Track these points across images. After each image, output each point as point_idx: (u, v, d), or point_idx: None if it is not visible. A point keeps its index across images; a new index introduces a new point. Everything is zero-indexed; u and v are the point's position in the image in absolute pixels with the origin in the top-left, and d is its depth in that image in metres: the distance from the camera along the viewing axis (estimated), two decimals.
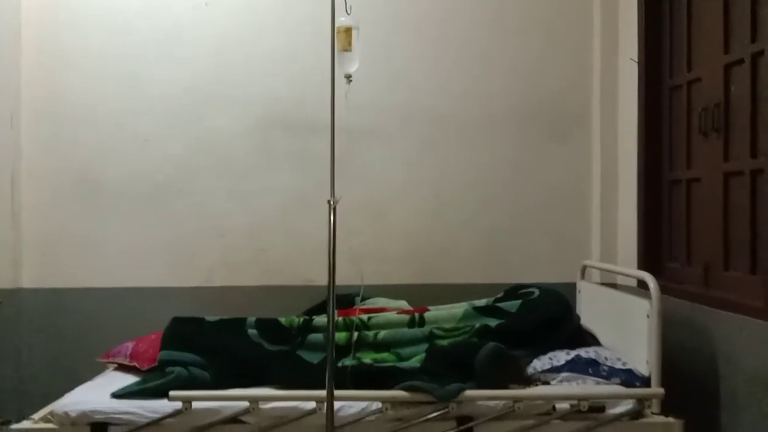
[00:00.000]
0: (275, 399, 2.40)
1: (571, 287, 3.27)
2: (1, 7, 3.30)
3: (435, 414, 2.37)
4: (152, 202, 3.45)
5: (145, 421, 2.35)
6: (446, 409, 2.37)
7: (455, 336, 2.76)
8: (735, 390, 2.40)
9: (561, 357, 2.63)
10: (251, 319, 2.81)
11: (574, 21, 3.53)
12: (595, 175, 3.51)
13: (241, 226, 3.48)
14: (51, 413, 2.41)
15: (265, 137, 3.48)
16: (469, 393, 2.39)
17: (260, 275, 3.47)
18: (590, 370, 2.56)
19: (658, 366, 2.45)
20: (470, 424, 2.39)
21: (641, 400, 2.43)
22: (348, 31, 2.44)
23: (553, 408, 2.41)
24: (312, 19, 3.18)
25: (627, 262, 3.30)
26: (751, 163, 2.45)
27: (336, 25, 2.35)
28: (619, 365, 2.57)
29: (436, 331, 2.78)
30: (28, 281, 3.40)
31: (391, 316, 2.92)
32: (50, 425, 2.38)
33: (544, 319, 2.79)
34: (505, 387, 2.50)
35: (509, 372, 2.58)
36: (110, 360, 2.84)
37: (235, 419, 2.37)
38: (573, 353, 2.63)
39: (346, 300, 3.06)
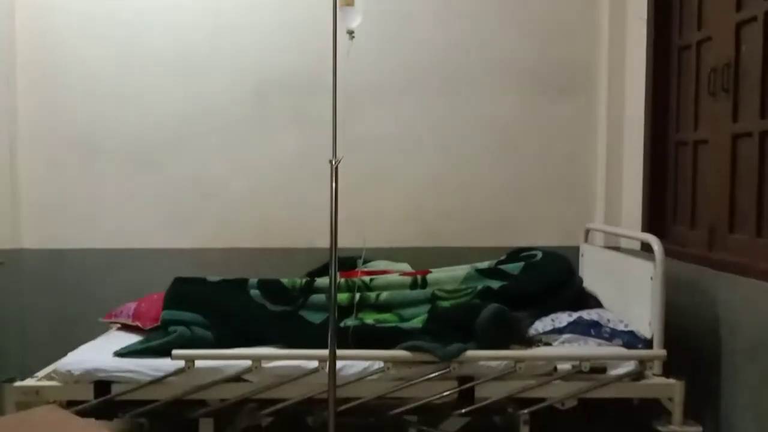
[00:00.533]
0: (278, 358, 2.41)
1: (575, 251, 3.25)
2: None
3: (436, 374, 2.38)
4: (150, 164, 3.43)
5: (147, 379, 2.36)
6: (447, 369, 2.38)
7: (457, 298, 2.76)
8: (736, 352, 2.40)
9: (563, 319, 2.62)
10: (253, 280, 2.81)
11: None
12: (600, 137, 3.46)
13: (241, 188, 3.45)
14: (54, 371, 2.42)
15: (264, 98, 3.43)
16: (471, 353, 2.40)
17: (261, 238, 3.46)
18: (592, 331, 2.56)
19: (661, 328, 2.44)
20: (471, 384, 2.40)
21: (643, 362, 2.44)
22: None
23: (555, 369, 2.42)
24: None
25: (631, 226, 3.28)
26: (761, 124, 2.41)
27: None
28: (621, 327, 2.57)
29: (438, 293, 2.78)
30: (28, 242, 3.40)
31: (393, 277, 2.92)
32: (54, 383, 2.39)
33: (547, 281, 2.79)
34: (507, 348, 2.51)
35: (511, 333, 2.58)
36: (113, 320, 2.86)
37: (237, 378, 2.39)
38: (575, 315, 2.63)
39: (348, 263, 3.05)
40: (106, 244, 3.42)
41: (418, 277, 2.88)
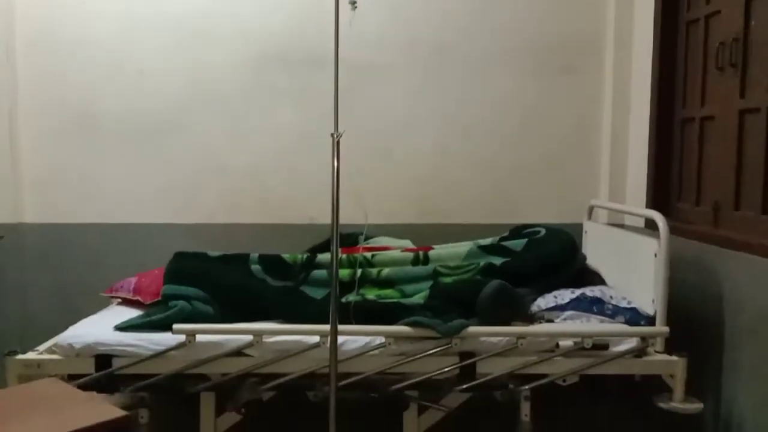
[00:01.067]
0: (279, 333, 2.41)
1: (578, 228, 3.23)
2: None
3: (437, 349, 2.38)
4: (150, 138, 3.40)
5: (148, 353, 2.36)
6: (449, 345, 2.38)
7: (459, 274, 2.74)
8: (739, 329, 2.39)
9: (566, 295, 2.61)
10: (254, 255, 2.80)
11: None
12: (605, 113, 3.42)
13: (241, 163, 3.43)
14: (56, 345, 2.42)
15: (264, 71, 3.39)
16: (472, 329, 2.39)
17: (262, 213, 3.45)
18: (595, 308, 2.55)
19: (664, 305, 2.43)
20: (473, 360, 2.39)
21: (645, 339, 2.43)
22: None
23: (557, 345, 2.41)
24: None
25: (635, 203, 3.25)
26: None
27: None
28: (624, 304, 2.55)
29: (440, 269, 2.76)
30: (29, 216, 3.39)
31: (395, 254, 2.90)
32: (55, 356, 2.39)
33: (550, 257, 2.77)
34: (509, 325, 2.50)
35: (513, 310, 2.57)
36: (114, 294, 2.85)
37: (238, 352, 2.38)
38: (578, 292, 2.62)
39: (349, 239, 3.03)
40: (107, 219, 3.41)
41: (420, 253, 2.87)
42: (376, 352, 2.38)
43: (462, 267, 2.77)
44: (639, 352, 2.43)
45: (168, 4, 3.34)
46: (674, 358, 2.41)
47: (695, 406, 2.38)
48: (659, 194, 3.10)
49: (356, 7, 2.16)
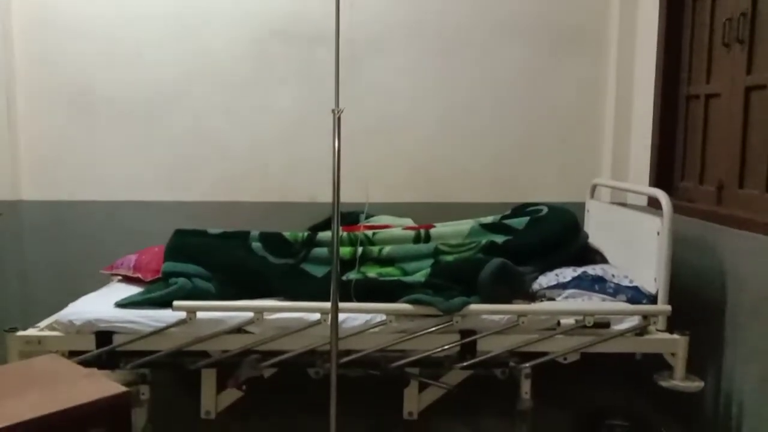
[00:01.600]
0: (280, 310, 2.40)
1: (581, 206, 3.22)
2: None
3: (438, 327, 2.37)
4: (150, 115, 3.37)
5: (149, 330, 2.35)
6: (450, 323, 2.37)
7: (461, 252, 2.73)
8: (741, 307, 2.38)
9: (567, 274, 2.60)
10: (255, 233, 2.79)
11: None
12: (609, 91, 3.38)
13: (242, 141, 3.40)
14: (56, 322, 2.41)
15: (265, 48, 3.35)
16: (473, 307, 2.38)
17: (263, 192, 3.43)
18: (596, 286, 2.54)
19: (666, 283, 2.42)
20: (473, 338, 2.39)
21: (647, 317, 2.42)
22: None
23: (558, 323, 2.41)
24: None
25: (638, 182, 3.23)
26: None
27: None
28: (626, 282, 2.54)
29: (442, 247, 2.75)
30: (27, 194, 3.37)
31: (397, 232, 2.89)
32: (56, 333, 2.39)
33: (552, 236, 2.75)
34: (510, 303, 2.49)
35: (514, 288, 2.56)
36: (113, 272, 2.84)
37: (239, 329, 2.38)
38: (579, 270, 2.61)
39: (350, 217, 3.02)
40: (106, 197, 3.39)
41: (422, 231, 2.85)
42: (377, 329, 2.38)
43: (463, 245, 2.76)
44: (640, 331, 2.42)
45: None
46: (676, 336, 2.41)
47: (696, 384, 2.38)
48: (662, 173, 3.07)
49: None
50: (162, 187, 3.40)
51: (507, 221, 2.87)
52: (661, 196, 2.45)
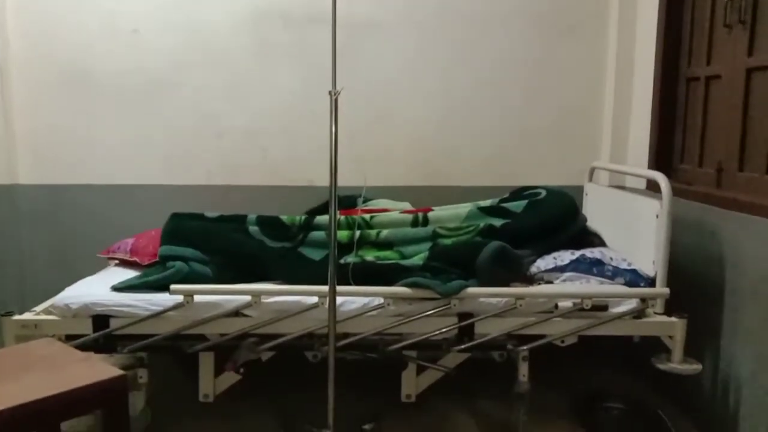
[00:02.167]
0: (278, 293, 2.39)
1: (579, 190, 3.20)
2: None
3: (436, 310, 2.37)
4: (146, 97, 3.35)
5: (146, 313, 2.35)
6: (447, 306, 2.36)
7: (459, 235, 2.72)
8: (740, 290, 2.38)
9: (565, 257, 2.59)
10: (252, 216, 2.78)
11: None
12: (609, 73, 3.36)
13: (239, 124, 3.38)
14: (53, 306, 2.41)
15: (263, 29, 3.32)
16: (471, 290, 2.37)
17: (260, 175, 3.41)
18: (594, 270, 2.53)
19: (665, 266, 2.42)
20: (471, 321, 2.39)
21: (645, 300, 2.42)
22: None
23: (556, 306, 2.40)
24: None
25: (637, 165, 3.21)
26: None
27: None
28: (624, 265, 2.54)
29: (440, 231, 2.74)
30: (23, 178, 3.35)
31: (394, 215, 2.88)
32: (52, 317, 2.38)
33: (550, 219, 2.74)
34: (508, 286, 2.49)
35: (512, 271, 2.56)
36: (110, 255, 2.83)
37: (236, 313, 2.37)
38: (578, 253, 2.60)
39: (348, 201, 3.00)
40: (103, 180, 3.37)
41: (420, 214, 2.84)
42: (375, 312, 2.37)
43: (462, 228, 2.75)
44: (638, 314, 2.42)
45: None
46: (674, 319, 2.40)
47: (694, 367, 2.38)
48: (662, 155, 3.06)
49: None
50: (159, 170, 3.39)
51: (505, 204, 2.86)
52: (660, 178, 2.43)
